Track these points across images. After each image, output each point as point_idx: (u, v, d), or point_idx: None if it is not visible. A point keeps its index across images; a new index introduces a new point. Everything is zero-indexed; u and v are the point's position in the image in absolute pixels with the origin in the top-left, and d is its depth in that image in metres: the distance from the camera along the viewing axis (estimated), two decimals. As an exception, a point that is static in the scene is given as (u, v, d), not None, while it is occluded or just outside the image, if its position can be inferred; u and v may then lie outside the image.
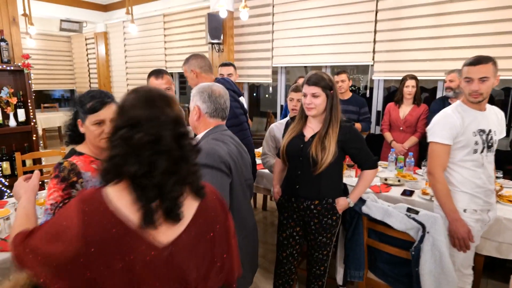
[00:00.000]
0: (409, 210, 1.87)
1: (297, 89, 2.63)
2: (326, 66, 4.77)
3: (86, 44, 8.60)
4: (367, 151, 1.99)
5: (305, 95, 1.95)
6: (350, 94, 3.73)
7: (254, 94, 8.30)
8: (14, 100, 3.38)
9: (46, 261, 0.84)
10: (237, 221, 1.26)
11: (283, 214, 2.16)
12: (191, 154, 0.94)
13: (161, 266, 0.87)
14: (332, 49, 4.63)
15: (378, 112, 4.55)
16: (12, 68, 3.36)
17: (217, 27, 5.28)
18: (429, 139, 1.96)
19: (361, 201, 2.02)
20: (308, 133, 2.02)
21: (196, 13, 5.94)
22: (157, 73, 2.44)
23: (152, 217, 0.85)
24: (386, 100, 4.29)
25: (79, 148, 1.52)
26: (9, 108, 3.38)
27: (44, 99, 9.31)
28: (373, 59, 4.34)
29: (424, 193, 2.44)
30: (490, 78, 1.79)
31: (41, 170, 3.68)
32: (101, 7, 7.43)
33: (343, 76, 3.63)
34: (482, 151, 1.89)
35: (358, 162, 2.04)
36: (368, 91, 4.61)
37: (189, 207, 0.95)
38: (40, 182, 2.11)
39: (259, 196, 4.41)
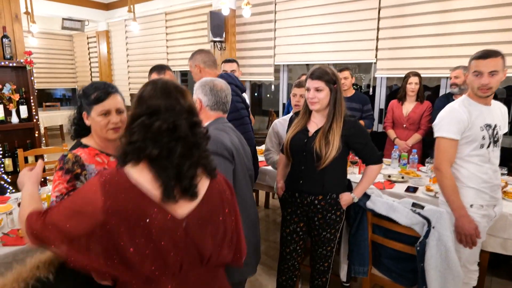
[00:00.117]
0: (414, 205, 1.85)
1: (300, 85, 2.62)
2: (328, 64, 4.75)
3: (88, 43, 8.60)
4: (372, 146, 1.98)
5: (308, 89, 1.94)
6: (353, 91, 3.71)
7: (256, 94, 8.30)
8: (16, 97, 3.38)
9: (68, 234, 0.91)
10: (241, 208, 1.30)
11: (286, 210, 2.14)
12: (202, 141, 1.03)
13: (180, 235, 0.97)
14: (334, 47, 4.62)
15: (380, 110, 4.53)
16: (14, 64, 3.37)
17: (219, 25, 5.27)
18: (436, 134, 1.93)
19: (366, 196, 2.01)
20: (312, 128, 2.01)
21: (198, 11, 5.94)
22: (159, 68, 2.44)
23: (172, 193, 0.94)
24: (389, 98, 4.27)
25: (85, 140, 1.51)
26: (11, 104, 3.38)
27: (46, 98, 9.31)
28: (376, 57, 4.32)
29: (428, 190, 2.42)
30: (499, 72, 1.77)
31: (43, 168, 3.67)
32: (103, 6, 7.43)
33: (346, 73, 3.62)
34: (488, 146, 1.87)
35: (362, 158, 2.03)
36: (371, 89, 4.59)
37: (202, 186, 1.05)
38: (42, 179, 2.11)
39: (261, 194, 4.40)
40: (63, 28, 7.35)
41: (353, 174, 2.84)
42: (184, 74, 7.42)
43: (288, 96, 5.48)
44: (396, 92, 3.76)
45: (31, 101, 3.51)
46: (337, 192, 1.99)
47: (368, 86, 6.28)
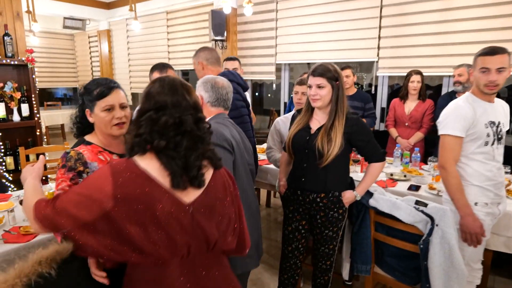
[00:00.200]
0: (417, 202, 1.84)
1: (302, 82, 2.61)
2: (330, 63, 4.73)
3: (89, 42, 8.61)
4: (375, 144, 1.96)
5: (310, 87, 1.93)
6: (355, 89, 3.70)
7: (256, 94, 8.29)
8: (18, 95, 3.37)
9: (78, 220, 0.95)
10: (242, 199, 1.33)
11: (288, 208, 2.13)
12: (207, 136, 1.10)
13: (186, 220, 1.02)
14: (336, 45, 4.61)
15: (382, 109, 4.52)
16: (16, 62, 3.35)
17: (220, 24, 5.26)
18: (440, 132, 1.91)
19: (368, 194, 2.00)
20: (315, 125, 2.00)
21: (199, 10, 5.93)
22: (161, 67, 2.43)
23: (181, 181, 1.01)
24: (390, 97, 4.26)
25: (88, 137, 1.49)
26: (13, 102, 3.37)
27: (47, 97, 9.32)
28: (377, 55, 4.31)
29: (431, 188, 2.41)
30: (506, 68, 1.76)
31: (44, 166, 3.67)
32: (104, 5, 7.43)
33: (348, 72, 3.61)
34: (493, 143, 1.86)
35: (365, 155, 2.02)
36: (373, 88, 4.58)
37: (207, 175, 1.10)
38: (44, 178, 2.11)
39: (263, 193, 4.39)
40: (65, 27, 7.35)
41: (355, 172, 2.83)
42: (186, 73, 7.42)
43: (289, 95, 5.47)
44: (397, 91, 3.75)
45: (33, 99, 3.51)
46: (339, 190, 1.98)
47: (370, 85, 6.28)
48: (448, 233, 1.70)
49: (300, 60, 5.11)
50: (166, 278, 1.03)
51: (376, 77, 4.46)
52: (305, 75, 3.55)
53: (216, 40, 5.38)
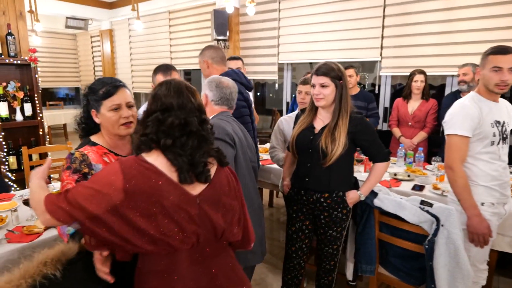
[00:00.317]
0: (422, 202, 1.83)
1: (306, 82, 2.61)
2: (332, 62, 4.72)
3: (92, 42, 8.61)
4: (379, 144, 1.95)
5: (314, 86, 1.92)
6: (358, 89, 3.69)
7: (258, 93, 8.28)
8: (20, 94, 3.37)
9: (89, 212, 0.99)
10: (245, 195, 1.38)
11: (292, 208, 2.12)
12: (210, 136, 1.16)
13: (194, 210, 1.08)
14: (339, 45, 4.60)
15: (385, 109, 4.50)
16: (19, 62, 3.35)
17: (222, 24, 5.26)
18: (447, 132, 1.89)
19: (373, 194, 1.99)
20: (318, 125, 1.99)
21: (202, 10, 5.92)
22: (165, 69, 2.40)
23: (188, 176, 1.06)
24: (393, 97, 4.25)
25: (94, 138, 1.47)
26: (15, 102, 3.38)
27: (49, 97, 9.33)
28: (380, 55, 4.29)
29: (435, 188, 2.40)
30: None
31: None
32: (107, 5, 7.44)
33: (351, 71, 3.59)
34: (498, 143, 1.84)
35: (369, 155, 2.00)
36: (377, 88, 4.56)
37: (212, 171, 1.16)
38: (47, 177, 2.11)
39: (265, 193, 4.38)
40: (67, 27, 7.35)
41: (359, 172, 2.82)
42: (188, 73, 7.42)
43: (292, 95, 5.46)
44: (400, 91, 3.73)
45: (35, 99, 3.51)
46: (343, 190, 1.97)
47: (373, 85, 6.26)
48: (454, 233, 1.69)
49: (303, 60, 5.09)
50: (177, 267, 1.08)
51: (379, 77, 4.45)
52: (309, 75, 3.55)
53: (218, 40, 5.38)
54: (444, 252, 1.71)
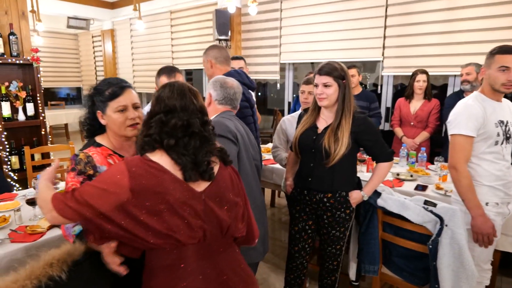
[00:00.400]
0: (426, 202, 1.82)
1: (308, 82, 2.60)
2: (334, 62, 4.72)
3: (93, 42, 8.62)
4: (382, 143, 1.95)
5: (316, 85, 1.91)
6: (360, 89, 3.69)
7: (259, 93, 8.27)
8: (23, 94, 3.37)
9: (97, 209, 1.01)
10: (247, 193, 1.38)
11: (295, 208, 2.12)
12: (212, 137, 1.19)
13: (200, 206, 1.11)
14: (341, 45, 4.59)
15: (387, 109, 4.50)
16: (21, 61, 3.36)
17: (224, 23, 5.26)
18: (451, 132, 1.88)
19: (376, 194, 1.98)
20: (321, 124, 1.98)
21: (203, 10, 5.93)
22: (169, 71, 2.39)
23: (192, 174, 1.10)
24: (395, 97, 4.24)
25: (99, 139, 1.45)
26: (18, 102, 3.38)
27: (51, 97, 9.34)
28: (383, 55, 4.29)
29: (438, 188, 2.39)
30: None
31: (49, 165, 3.67)
32: (108, 5, 7.44)
33: (353, 71, 3.59)
34: (502, 143, 1.84)
35: (372, 155, 2.00)
36: (379, 87, 4.55)
37: (215, 169, 1.20)
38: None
39: (267, 192, 4.38)
40: (69, 26, 7.36)
41: (361, 172, 2.82)
42: (189, 73, 7.42)
43: (293, 95, 5.46)
44: (402, 91, 3.73)
45: (38, 98, 3.51)
46: (346, 190, 1.97)
47: (374, 85, 6.26)
48: (458, 233, 1.69)
49: (305, 60, 5.09)
50: (184, 262, 1.10)
51: (381, 77, 4.44)
52: (312, 75, 3.55)
53: (220, 40, 5.38)
54: (448, 252, 1.71)
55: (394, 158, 3.21)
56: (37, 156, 3.43)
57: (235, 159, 1.74)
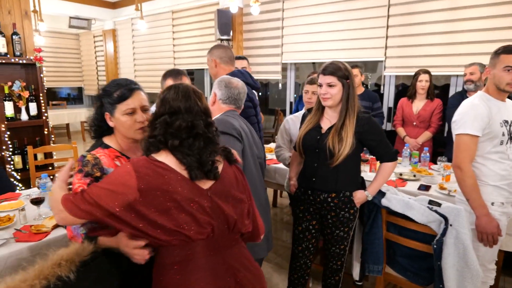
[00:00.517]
0: (431, 202, 1.82)
1: (312, 81, 2.60)
2: (336, 62, 4.72)
3: (95, 42, 8.63)
4: (387, 143, 1.95)
5: (320, 85, 1.91)
6: (363, 89, 3.69)
7: (260, 94, 8.28)
8: (26, 94, 3.38)
9: (106, 209, 1.04)
10: (252, 190, 1.39)
11: (299, 207, 2.12)
12: (215, 138, 1.21)
13: (207, 202, 1.14)
14: (343, 45, 4.59)
15: (389, 109, 4.50)
16: (24, 61, 3.36)
17: (226, 23, 5.26)
18: (457, 131, 1.88)
19: (381, 193, 1.98)
20: (325, 124, 1.98)
21: (205, 10, 5.93)
22: (175, 74, 2.38)
23: (197, 173, 1.12)
24: (397, 97, 4.24)
25: (107, 140, 1.44)
26: (21, 101, 3.38)
27: (52, 96, 9.35)
28: (385, 55, 4.29)
29: (442, 188, 2.39)
30: None
31: (52, 164, 3.68)
32: (110, 4, 7.45)
33: (356, 71, 3.58)
34: (507, 142, 1.84)
35: (377, 155, 2.00)
36: (382, 87, 4.55)
37: (219, 168, 1.22)
38: (51, 176, 2.11)
39: (269, 192, 4.38)
40: (70, 26, 7.37)
41: (364, 172, 2.82)
42: (191, 73, 7.41)
43: (295, 95, 5.46)
44: (403, 91, 3.72)
45: (41, 98, 3.51)
46: (350, 190, 1.97)
47: (376, 85, 6.26)
48: (463, 233, 1.69)
49: (307, 60, 5.09)
50: (194, 258, 1.13)
51: (384, 77, 4.44)
52: (315, 74, 3.55)
53: (222, 40, 5.38)
54: (453, 252, 1.71)
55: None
56: (40, 156, 3.43)
57: (240, 156, 1.74)
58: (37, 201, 1.94)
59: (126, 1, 7.15)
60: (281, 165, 2.93)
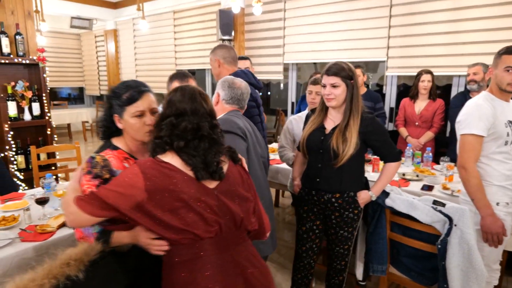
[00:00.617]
0: (435, 202, 1.83)
1: (316, 82, 2.60)
2: (338, 62, 4.72)
3: (96, 42, 8.64)
4: (390, 143, 1.95)
5: (324, 86, 1.91)
6: (365, 89, 3.69)
7: (261, 94, 8.28)
8: (29, 94, 3.38)
9: (115, 210, 1.07)
10: (256, 189, 1.40)
11: (302, 208, 2.12)
12: (220, 139, 1.23)
13: (213, 202, 1.16)
14: (345, 45, 4.59)
15: (391, 109, 4.50)
16: (27, 61, 3.37)
17: (228, 24, 5.26)
18: (462, 132, 1.88)
19: (385, 193, 1.99)
20: (329, 125, 1.98)
21: (207, 10, 5.94)
22: (182, 76, 2.37)
23: (203, 174, 1.14)
24: (399, 98, 4.24)
25: (115, 141, 1.43)
26: (24, 101, 3.39)
27: (53, 96, 9.36)
28: (387, 55, 4.29)
29: (445, 188, 2.39)
30: None
31: (55, 164, 3.68)
32: (111, 4, 7.45)
33: (358, 71, 3.58)
34: (511, 143, 1.84)
35: (381, 155, 2.00)
36: (384, 87, 4.55)
37: (224, 167, 1.24)
38: (54, 176, 2.12)
39: (272, 192, 4.38)
40: (72, 26, 7.38)
41: (367, 172, 2.81)
42: (192, 73, 7.41)
43: (297, 95, 5.46)
44: (405, 91, 3.73)
45: (44, 98, 3.52)
46: (354, 190, 1.97)
47: (377, 85, 6.26)
48: (467, 233, 1.69)
49: (308, 60, 5.09)
50: (203, 256, 1.15)
51: (386, 77, 4.44)
52: (319, 75, 3.56)
53: (223, 40, 5.38)
54: (457, 252, 1.71)
55: (400, 158, 3.23)
56: (43, 156, 3.44)
57: (244, 155, 1.76)
58: (42, 201, 1.94)
59: (127, 1, 7.16)
60: (283, 165, 2.93)
